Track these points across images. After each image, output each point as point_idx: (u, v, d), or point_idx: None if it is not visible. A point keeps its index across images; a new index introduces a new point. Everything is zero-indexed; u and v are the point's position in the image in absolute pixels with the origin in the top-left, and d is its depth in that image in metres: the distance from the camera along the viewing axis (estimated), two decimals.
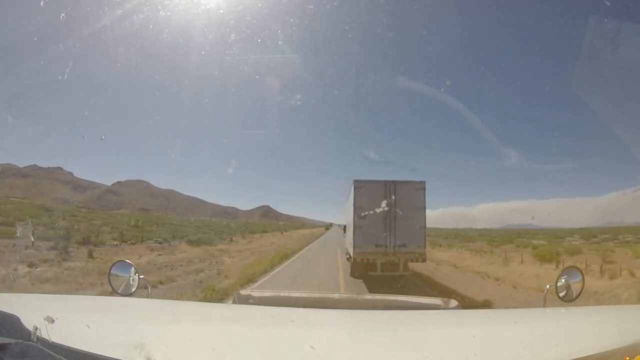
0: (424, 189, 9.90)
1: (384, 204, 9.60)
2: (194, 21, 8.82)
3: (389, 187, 9.76)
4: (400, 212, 9.65)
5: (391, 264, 9.71)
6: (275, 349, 1.03)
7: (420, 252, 9.80)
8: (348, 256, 14.91)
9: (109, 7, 7.52)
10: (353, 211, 9.76)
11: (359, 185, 9.92)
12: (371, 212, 9.62)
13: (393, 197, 9.67)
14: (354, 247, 9.81)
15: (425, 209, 9.85)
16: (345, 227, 17.00)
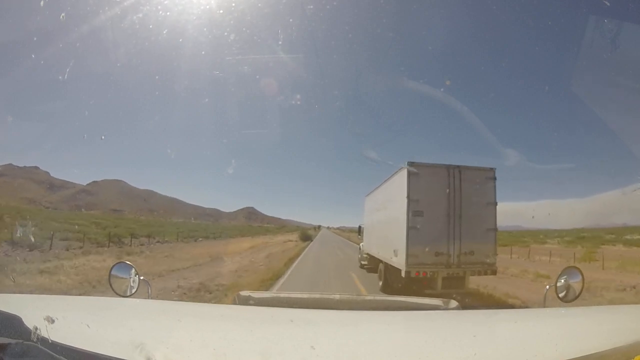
0: (495, 178, 7.63)
1: (447, 196, 7.40)
2: (194, 21, 8.84)
3: (453, 174, 7.49)
4: (466, 209, 7.43)
5: (455, 279, 7.41)
6: (275, 349, 1.03)
7: (490, 262, 7.53)
8: (365, 262, 12.71)
9: (108, 6, 7.53)
10: (406, 206, 7.31)
11: (414, 169, 7.44)
12: (431, 207, 7.38)
13: (457, 188, 7.45)
14: (408, 256, 7.26)
15: (496, 204, 7.58)
16: (360, 228, 14.13)
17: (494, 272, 7.75)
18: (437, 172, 7.59)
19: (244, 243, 29.24)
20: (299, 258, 18.24)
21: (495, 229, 7.64)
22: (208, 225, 62.51)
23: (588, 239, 31.50)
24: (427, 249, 7.30)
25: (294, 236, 42.37)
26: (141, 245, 24.75)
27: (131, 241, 25.23)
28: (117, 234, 26.27)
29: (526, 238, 33.29)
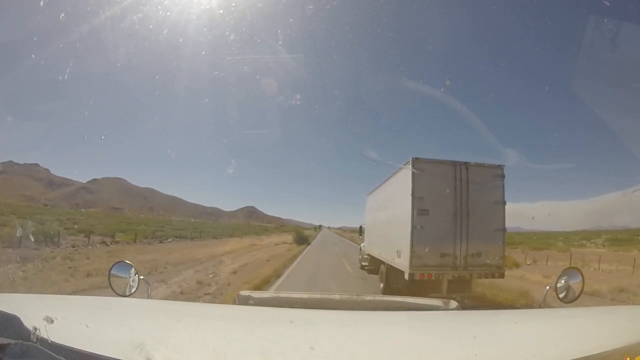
0: (503, 176, 7.32)
1: (453, 194, 7.05)
2: (194, 21, 8.85)
3: (460, 171, 7.16)
4: (474, 208, 7.08)
5: (460, 282, 7.04)
6: (275, 349, 1.03)
7: (498, 264, 7.17)
8: (365, 264, 12.45)
9: (108, 6, 7.55)
10: (411, 204, 6.93)
11: (419, 165, 7.04)
12: (436, 205, 7.00)
13: (464, 186, 7.12)
14: (412, 257, 6.85)
15: (504, 204, 7.24)
16: (361, 228, 13.99)
17: (502, 275, 7.38)
18: (443, 169, 7.23)
19: (224, 246, 24.24)
20: (285, 275, 12.04)
21: (504, 229, 7.29)
22: (203, 224, 60.91)
23: (624, 241, 28.95)
24: (432, 250, 6.90)
25: (291, 237, 35.67)
26: (72, 247, 19.47)
27: (58, 241, 20.14)
28: (49, 231, 20.72)
29: (550, 240, 32.05)
